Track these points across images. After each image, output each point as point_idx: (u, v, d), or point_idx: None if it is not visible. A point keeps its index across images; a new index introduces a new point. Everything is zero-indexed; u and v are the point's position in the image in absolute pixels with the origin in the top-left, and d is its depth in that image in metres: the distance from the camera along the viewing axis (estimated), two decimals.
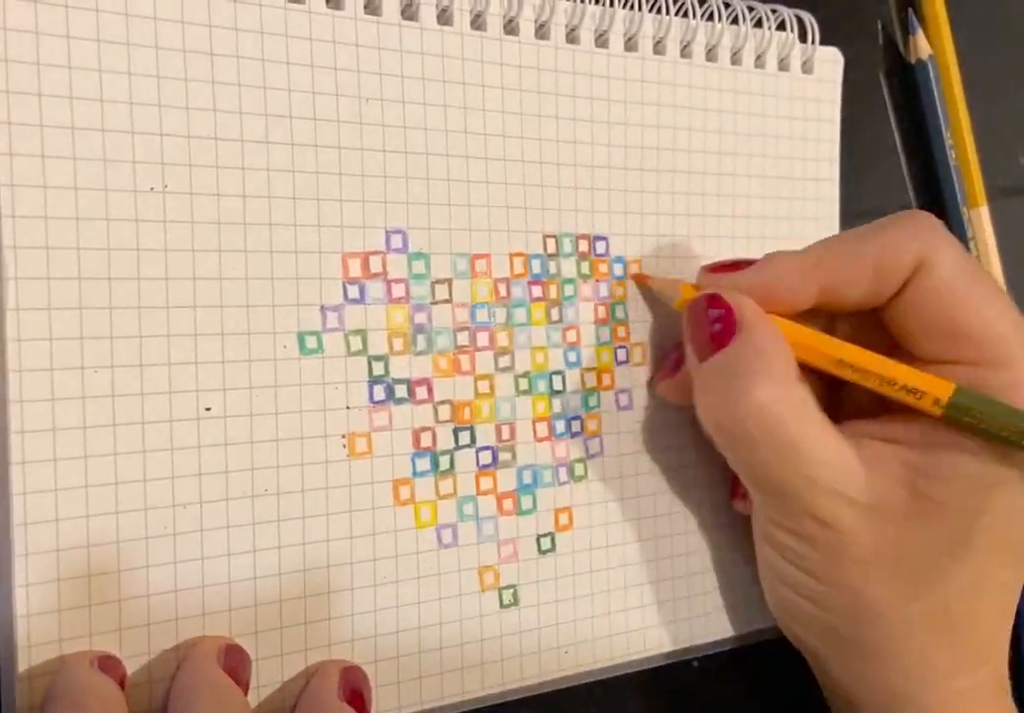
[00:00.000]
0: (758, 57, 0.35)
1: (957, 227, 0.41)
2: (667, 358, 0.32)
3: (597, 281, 0.32)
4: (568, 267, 0.31)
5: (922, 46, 0.40)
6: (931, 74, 0.40)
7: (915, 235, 0.28)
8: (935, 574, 0.28)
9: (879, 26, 0.40)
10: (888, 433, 0.28)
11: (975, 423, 0.26)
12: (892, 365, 0.28)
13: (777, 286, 0.29)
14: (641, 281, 0.32)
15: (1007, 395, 0.27)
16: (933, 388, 0.27)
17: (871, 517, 0.27)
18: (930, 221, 0.29)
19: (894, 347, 0.30)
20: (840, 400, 0.32)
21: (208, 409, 0.25)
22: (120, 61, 0.24)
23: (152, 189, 0.25)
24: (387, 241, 0.28)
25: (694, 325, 0.29)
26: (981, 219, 0.41)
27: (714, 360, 0.28)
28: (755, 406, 0.27)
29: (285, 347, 0.26)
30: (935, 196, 0.41)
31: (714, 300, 0.29)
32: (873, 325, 0.30)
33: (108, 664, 0.24)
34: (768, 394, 0.27)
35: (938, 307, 0.28)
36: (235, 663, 0.25)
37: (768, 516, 0.29)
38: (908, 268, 0.28)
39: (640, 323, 0.32)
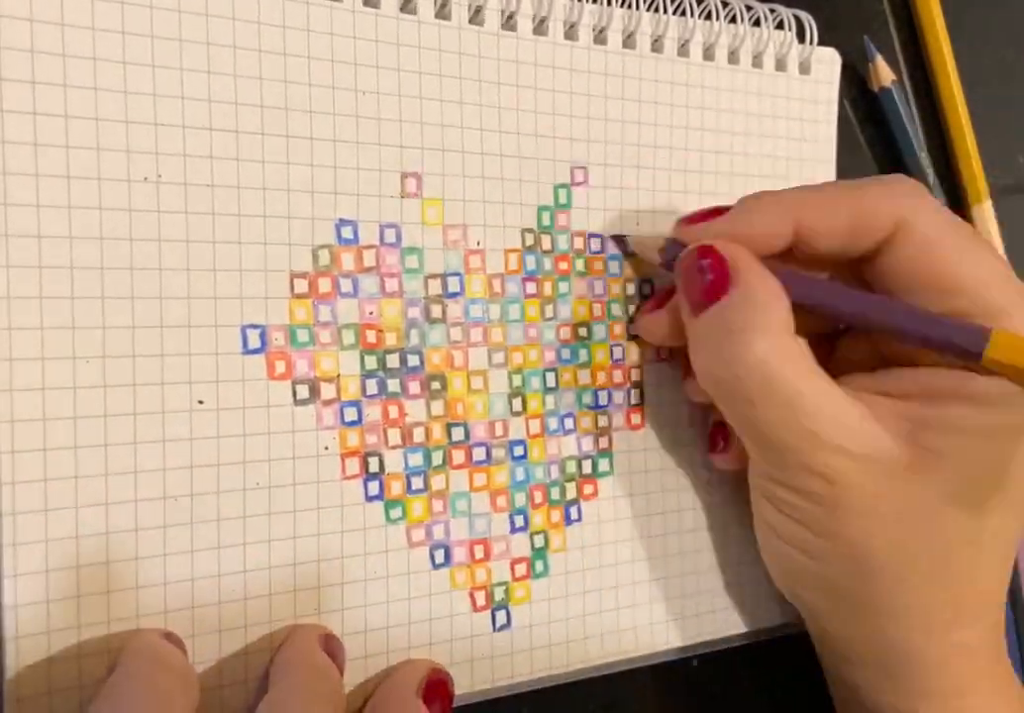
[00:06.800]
0: (755, 57, 0.35)
1: None
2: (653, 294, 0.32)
3: (593, 278, 0.31)
4: (563, 264, 0.31)
5: (883, 74, 0.39)
6: (896, 100, 0.40)
7: (895, 195, 0.28)
8: (935, 527, 0.27)
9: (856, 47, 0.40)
10: (886, 386, 0.28)
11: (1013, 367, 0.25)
12: (921, 314, 0.27)
13: (754, 230, 0.29)
14: (619, 240, 0.32)
15: None
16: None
17: (871, 470, 0.27)
18: (913, 184, 0.29)
19: None
20: (833, 354, 0.32)
21: (201, 402, 0.25)
22: (115, 50, 0.24)
23: (146, 179, 0.24)
24: (381, 235, 0.28)
25: (686, 278, 0.29)
26: (984, 215, 0.41)
27: (709, 313, 0.28)
28: (754, 361, 0.26)
29: (277, 340, 0.26)
30: None
31: (706, 252, 0.28)
32: (851, 276, 0.30)
33: (174, 640, 0.24)
34: (767, 348, 0.26)
35: (921, 264, 0.28)
36: (332, 649, 0.26)
37: (766, 471, 0.29)
38: (886, 227, 0.28)
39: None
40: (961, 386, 0.27)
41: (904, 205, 0.28)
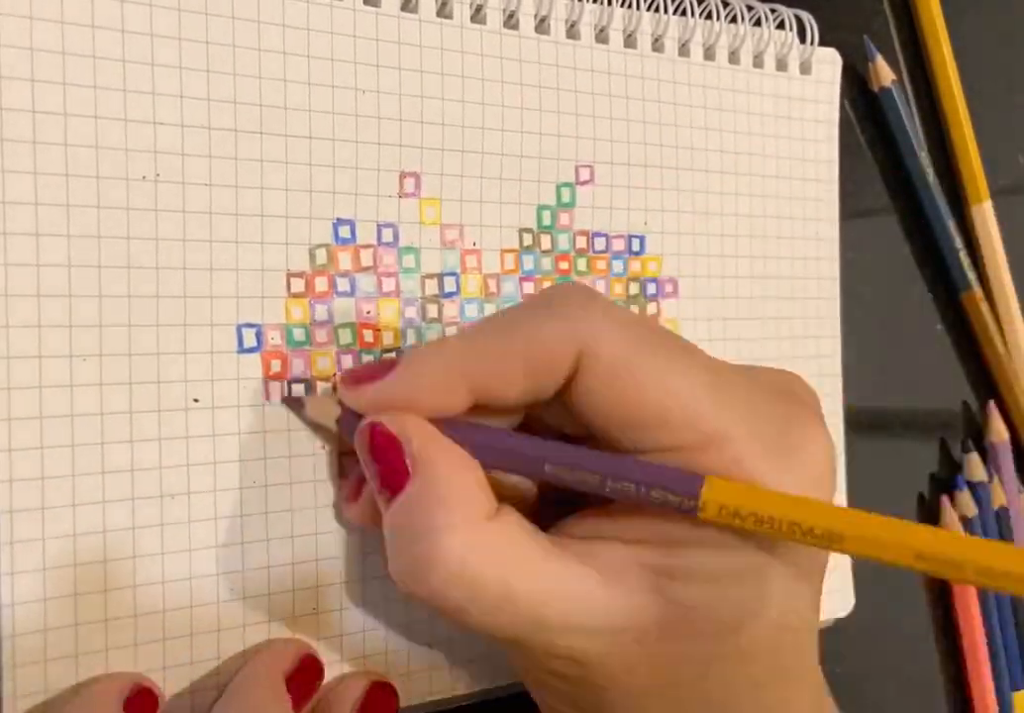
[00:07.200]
0: (756, 57, 0.35)
1: (943, 239, 0.41)
2: (350, 473, 0.27)
3: (595, 278, 0.31)
4: (564, 263, 0.31)
5: (883, 74, 0.39)
6: (896, 100, 0.40)
7: (569, 320, 0.23)
8: (703, 685, 0.24)
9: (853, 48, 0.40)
10: (620, 531, 0.24)
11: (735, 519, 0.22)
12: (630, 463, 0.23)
13: (422, 394, 0.24)
14: (295, 402, 0.27)
15: (731, 475, 0.23)
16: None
17: (619, 641, 0.23)
18: (587, 299, 0.24)
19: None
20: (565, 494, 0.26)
21: (197, 400, 0.25)
22: (114, 48, 0.24)
23: (144, 178, 0.24)
24: (378, 235, 0.28)
25: (365, 463, 0.24)
26: (984, 215, 0.41)
27: (392, 511, 0.23)
28: (445, 570, 0.22)
29: (273, 339, 0.26)
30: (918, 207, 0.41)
31: (376, 431, 0.24)
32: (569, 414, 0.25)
33: (138, 701, 0.23)
34: (457, 550, 0.22)
35: (610, 398, 0.23)
36: (305, 674, 0.25)
37: (519, 662, 0.26)
38: (566, 363, 0.23)
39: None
40: (696, 531, 0.23)
41: (581, 330, 0.23)
